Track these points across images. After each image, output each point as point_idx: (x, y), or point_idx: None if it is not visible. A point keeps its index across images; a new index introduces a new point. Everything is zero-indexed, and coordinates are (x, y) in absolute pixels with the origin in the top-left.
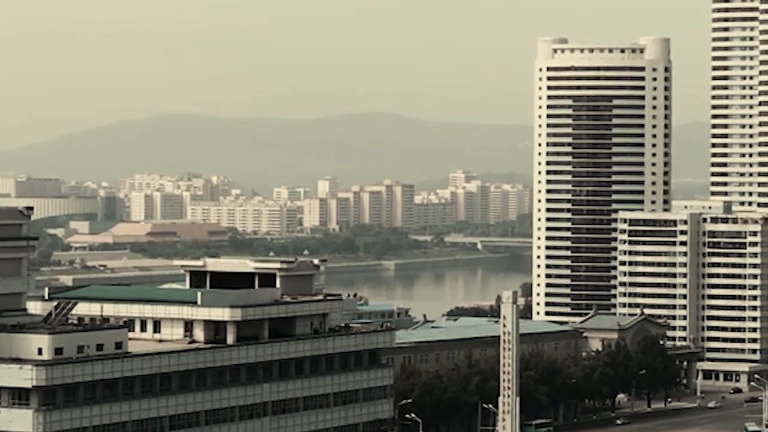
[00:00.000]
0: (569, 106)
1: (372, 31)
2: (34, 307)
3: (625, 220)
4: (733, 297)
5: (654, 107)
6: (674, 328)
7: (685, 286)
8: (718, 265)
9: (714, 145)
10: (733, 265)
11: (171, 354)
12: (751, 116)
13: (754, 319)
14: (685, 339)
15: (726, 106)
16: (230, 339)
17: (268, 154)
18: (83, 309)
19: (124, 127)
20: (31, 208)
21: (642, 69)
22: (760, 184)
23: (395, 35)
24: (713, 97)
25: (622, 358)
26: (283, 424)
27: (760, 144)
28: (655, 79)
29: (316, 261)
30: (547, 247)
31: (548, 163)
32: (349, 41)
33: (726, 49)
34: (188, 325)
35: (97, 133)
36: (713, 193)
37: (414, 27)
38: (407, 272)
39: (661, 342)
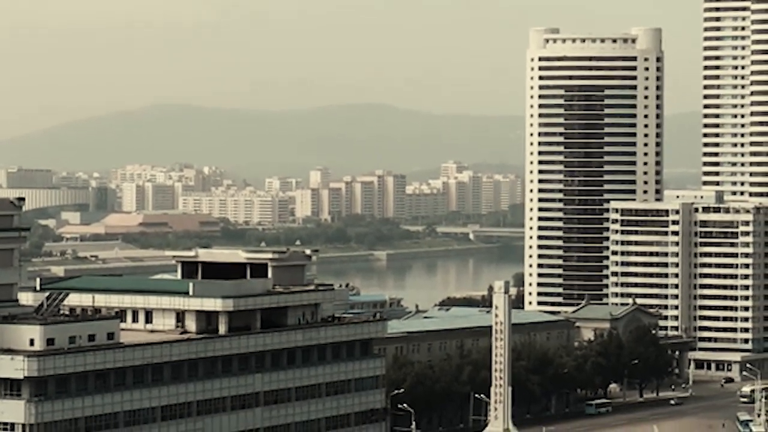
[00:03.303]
0: (561, 96)
1: (365, 25)
2: (26, 298)
3: (616, 210)
4: (725, 287)
5: (646, 97)
6: (666, 318)
7: (677, 275)
8: (710, 254)
9: (706, 135)
10: (725, 255)
11: (163, 345)
12: (742, 106)
13: (746, 308)
14: (677, 329)
15: (717, 96)
16: (222, 329)
17: (259, 145)
18: (75, 300)
19: (116, 118)
20: (23, 199)
21: (634, 59)
22: (751, 174)
23: (388, 28)
24: (705, 87)
25: (614, 347)
26: (275, 414)
27: (751, 134)
28: (646, 69)
29: (307, 251)
30: (539, 237)
31: (540, 153)
32: (342, 34)
33: (717, 39)
34: (180, 316)
35: (89, 124)
36: (705, 183)
37: (407, 20)
38: (399, 262)
39: (653, 332)
